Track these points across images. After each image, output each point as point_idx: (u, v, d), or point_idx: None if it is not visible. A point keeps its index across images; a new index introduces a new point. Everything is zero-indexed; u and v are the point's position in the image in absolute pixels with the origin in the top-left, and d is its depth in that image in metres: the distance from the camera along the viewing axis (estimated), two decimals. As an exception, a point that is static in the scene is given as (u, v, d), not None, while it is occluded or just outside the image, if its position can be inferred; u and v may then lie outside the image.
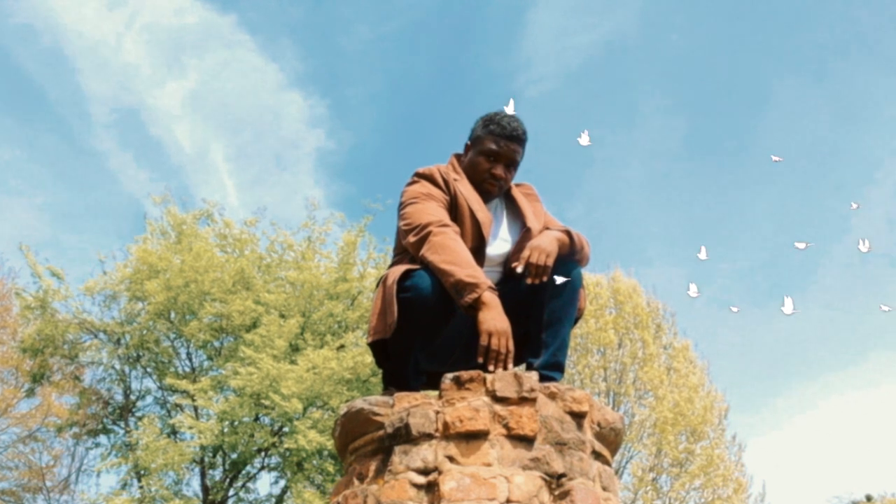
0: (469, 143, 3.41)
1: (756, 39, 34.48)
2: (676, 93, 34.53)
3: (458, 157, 3.45)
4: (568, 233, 3.19)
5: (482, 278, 2.86)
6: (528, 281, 2.99)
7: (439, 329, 3.03)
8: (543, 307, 3.06)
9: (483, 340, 2.80)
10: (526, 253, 3.02)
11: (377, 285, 3.12)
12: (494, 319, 2.81)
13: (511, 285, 3.12)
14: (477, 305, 2.82)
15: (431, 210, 3.12)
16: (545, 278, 2.99)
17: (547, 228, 3.27)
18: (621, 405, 19.05)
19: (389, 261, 3.52)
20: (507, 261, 3.22)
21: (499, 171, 3.29)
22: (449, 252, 2.92)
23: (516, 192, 3.42)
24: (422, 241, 3.02)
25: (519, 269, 3.02)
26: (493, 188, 3.31)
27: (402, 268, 3.01)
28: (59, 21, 29.53)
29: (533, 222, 3.27)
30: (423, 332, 2.99)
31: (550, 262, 3.00)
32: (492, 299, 2.84)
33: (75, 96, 32.03)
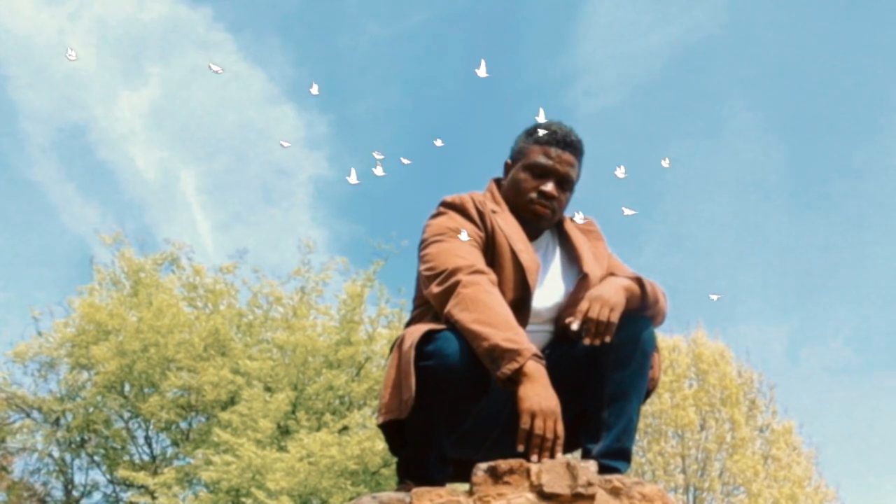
0: (509, 161, 3.42)
1: (876, 43, 34.34)
2: (776, 108, 34.44)
3: (497, 182, 3.45)
4: (639, 281, 3.16)
5: (525, 343, 2.83)
6: (587, 341, 2.96)
7: (470, 407, 3.00)
8: (605, 377, 3.03)
9: (524, 423, 2.76)
10: (584, 305, 2.99)
11: (391, 350, 3.12)
12: (539, 396, 2.78)
13: (564, 349, 3.11)
14: (517, 378, 2.79)
15: (461, 251, 3.11)
16: (608, 338, 2.96)
17: (612, 275, 3.25)
18: (704, 503, 18.93)
19: (406, 318, 3.51)
20: (560, 316, 3.19)
21: (549, 188, 3.29)
22: (483, 308, 2.90)
23: (572, 229, 3.41)
24: (448, 293, 3.00)
25: (574, 326, 2.99)
26: (545, 210, 3.29)
27: (422, 327, 2.98)
28: (-16, 16, 30.06)
29: (592, 266, 3.26)
30: (450, 411, 2.95)
31: (615, 317, 2.97)
32: (536, 370, 2.81)
33: (5, 112, 32.50)
